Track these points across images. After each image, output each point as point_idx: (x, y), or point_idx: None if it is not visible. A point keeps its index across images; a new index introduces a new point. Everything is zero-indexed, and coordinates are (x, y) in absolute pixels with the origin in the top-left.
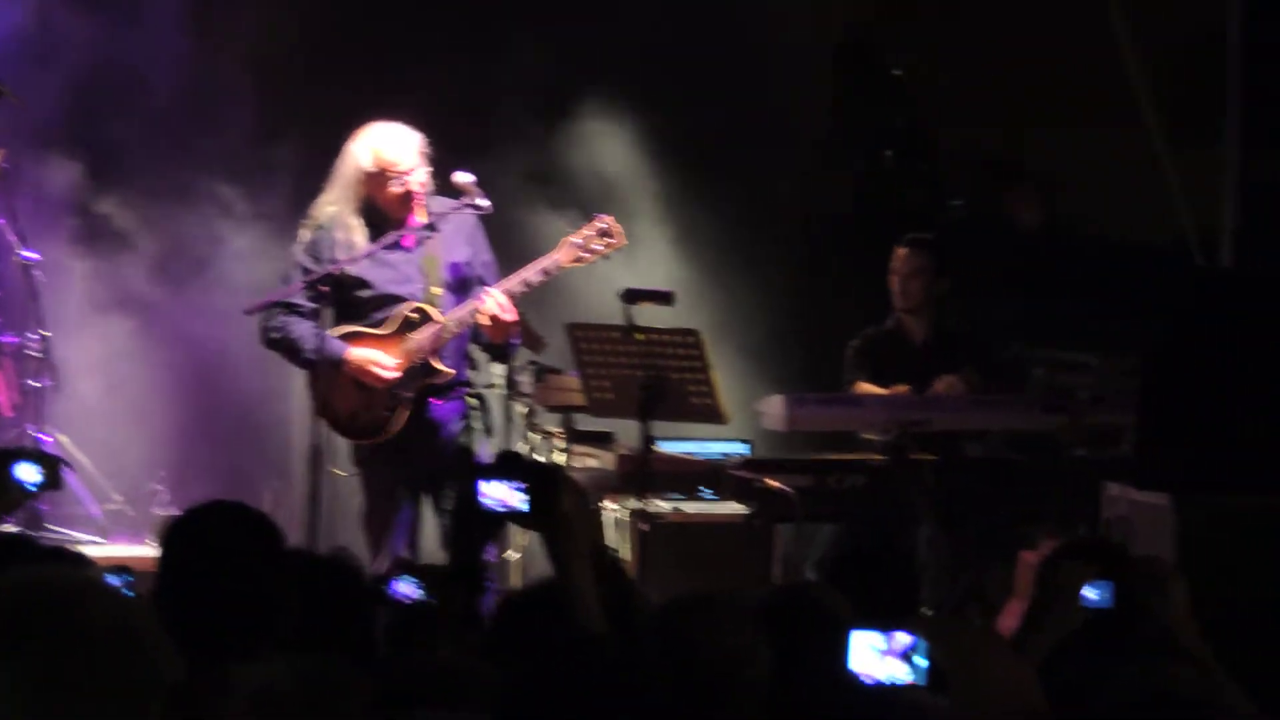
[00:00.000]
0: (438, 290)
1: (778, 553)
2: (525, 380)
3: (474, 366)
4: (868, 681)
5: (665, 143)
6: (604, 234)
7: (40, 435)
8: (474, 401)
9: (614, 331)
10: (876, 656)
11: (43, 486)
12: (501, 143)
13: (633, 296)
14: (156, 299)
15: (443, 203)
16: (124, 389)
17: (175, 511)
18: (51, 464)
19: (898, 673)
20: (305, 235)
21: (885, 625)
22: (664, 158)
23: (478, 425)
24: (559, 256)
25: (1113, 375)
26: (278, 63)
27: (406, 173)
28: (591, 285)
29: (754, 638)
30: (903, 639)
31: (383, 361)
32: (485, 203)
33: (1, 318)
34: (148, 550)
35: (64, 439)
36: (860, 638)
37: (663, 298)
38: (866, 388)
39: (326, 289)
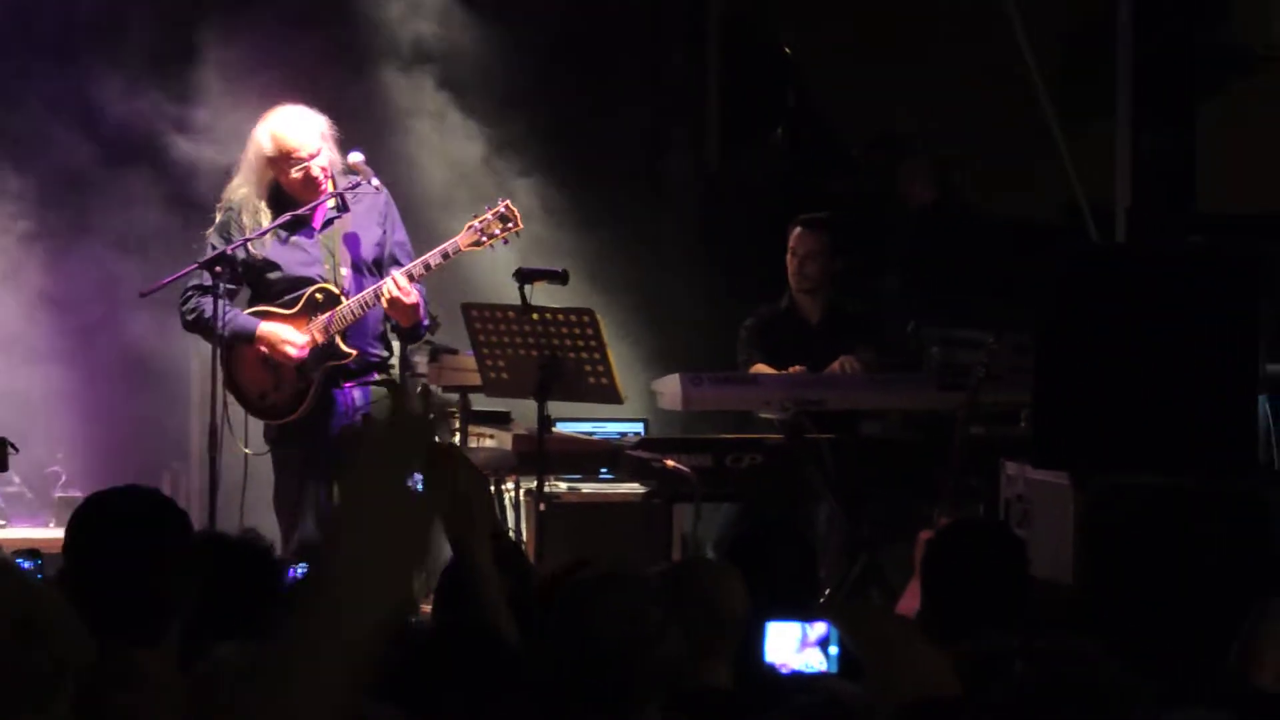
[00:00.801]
0: (344, 271)
1: (677, 533)
2: (420, 360)
3: (389, 349)
4: (784, 672)
5: (551, 114)
6: (503, 219)
7: None
8: (379, 390)
9: (509, 311)
10: (793, 647)
11: None
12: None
13: (527, 276)
14: (51, 279)
15: (345, 183)
16: (20, 370)
17: (75, 493)
18: None
19: (813, 662)
20: (217, 217)
21: (800, 616)
22: (552, 129)
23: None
24: (459, 240)
25: (1008, 353)
26: None
27: (307, 158)
28: (486, 264)
29: (661, 615)
30: (818, 629)
31: (290, 338)
32: (376, 182)
33: None
34: (50, 532)
35: None
36: (777, 629)
37: (557, 276)
38: (762, 368)
39: (223, 269)
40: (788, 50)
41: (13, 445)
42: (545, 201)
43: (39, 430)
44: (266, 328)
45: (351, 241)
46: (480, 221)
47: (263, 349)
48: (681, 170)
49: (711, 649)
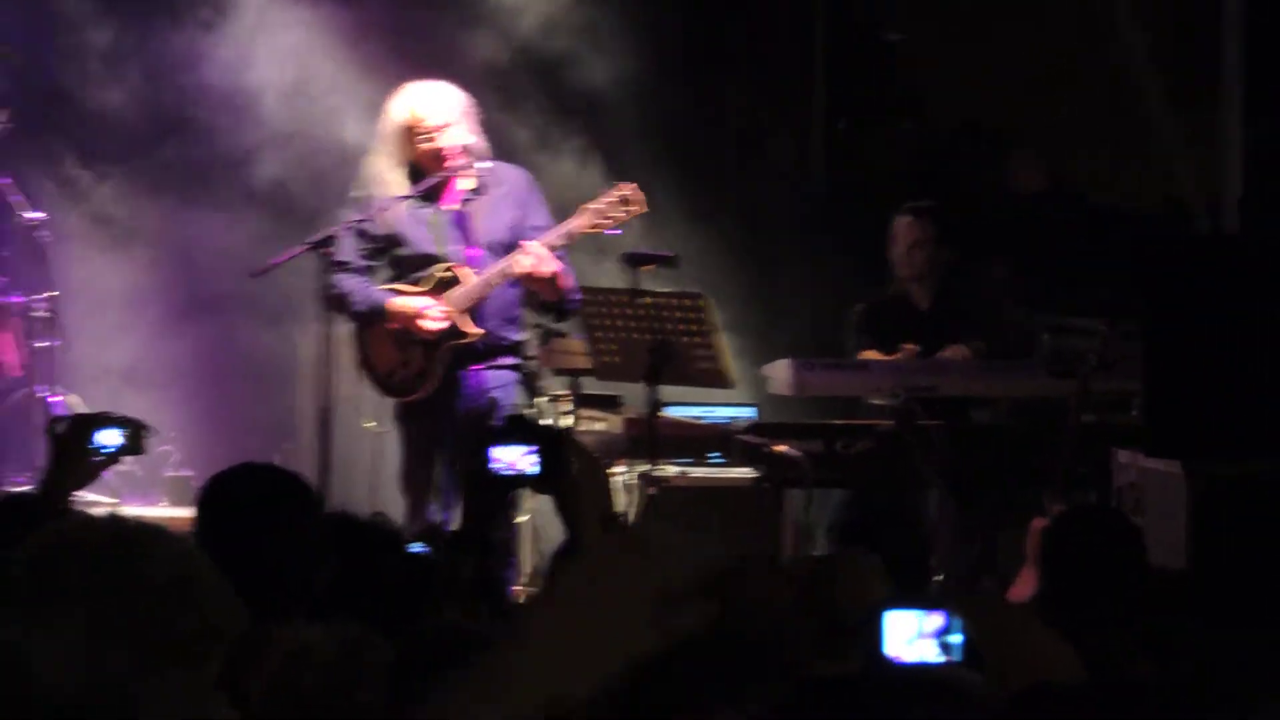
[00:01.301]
0: (475, 251)
1: (787, 518)
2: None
3: (523, 332)
4: (902, 663)
5: (658, 104)
6: (624, 201)
7: (49, 396)
8: (527, 370)
9: (620, 295)
10: (911, 638)
11: (124, 450)
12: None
13: (637, 260)
14: (163, 258)
15: (484, 164)
16: (133, 350)
17: (186, 473)
18: (134, 428)
19: (930, 654)
20: (352, 192)
21: (920, 606)
22: (668, 123)
23: (521, 397)
24: (580, 221)
25: (1119, 340)
26: None
27: (435, 129)
28: (595, 249)
29: (796, 607)
30: (935, 620)
31: (427, 310)
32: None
33: (7, 278)
34: (161, 511)
35: (73, 400)
36: (894, 619)
37: (667, 261)
38: (873, 354)
39: (361, 243)
40: (894, 39)
41: (150, 429)
42: (653, 190)
43: (150, 409)
44: (399, 302)
45: (485, 221)
46: (602, 203)
47: (398, 325)
48: (788, 158)
49: (843, 638)
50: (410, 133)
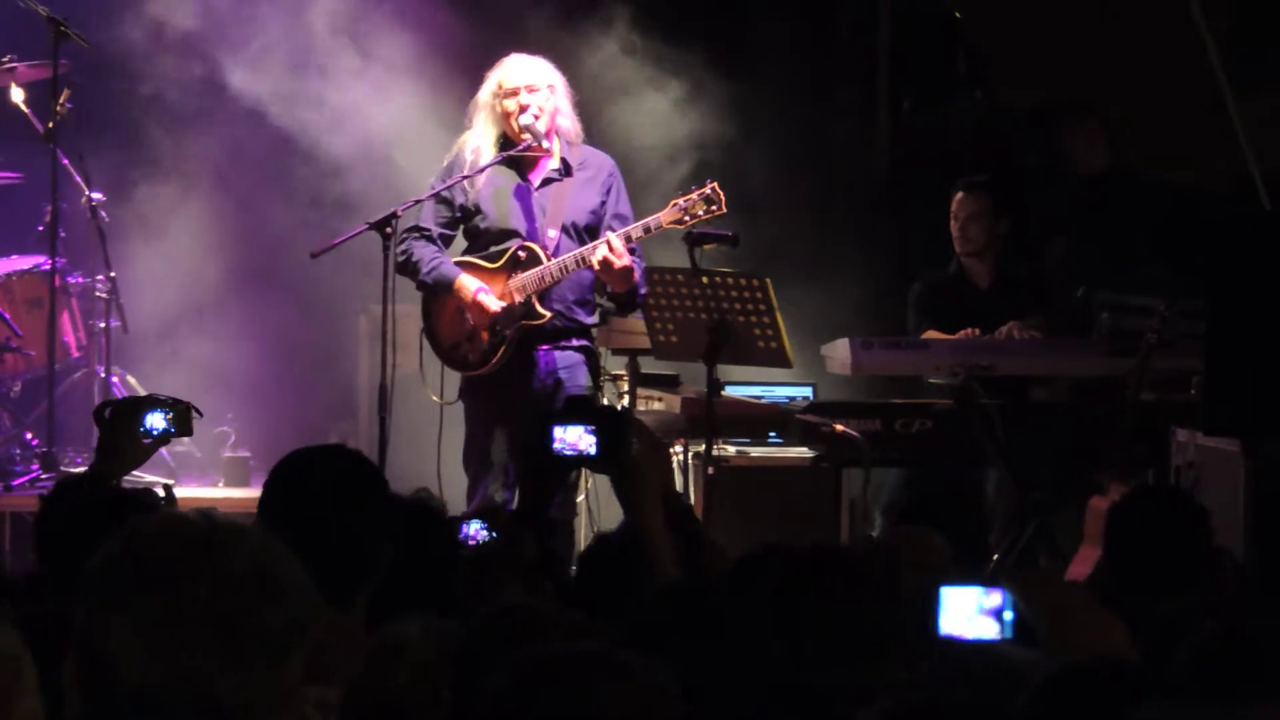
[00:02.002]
0: (553, 232)
1: (845, 498)
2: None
3: (593, 316)
4: (959, 639)
5: (719, 80)
6: (709, 200)
7: (109, 377)
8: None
9: (679, 274)
10: (968, 615)
11: (171, 434)
12: None
13: (697, 239)
14: (223, 241)
15: (584, 150)
16: (191, 331)
17: (243, 453)
18: (181, 410)
19: (987, 631)
20: (446, 158)
21: (976, 583)
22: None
23: (587, 379)
24: (662, 216)
25: (1179, 319)
26: None
27: (521, 88)
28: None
29: (863, 591)
30: (993, 597)
31: (485, 299)
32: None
33: (66, 259)
34: (218, 492)
35: (131, 380)
36: (952, 596)
37: (727, 240)
38: (933, 334)
39: (441, 211)
40: (958, 15)
41: (197, 410)
42: (713, 168)
43: (207, 390)
44: (465, 280)
45: (567, 204)
46: (685, 201)
47: (461, 301)
48: (851, 136)
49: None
50: (497, 93)
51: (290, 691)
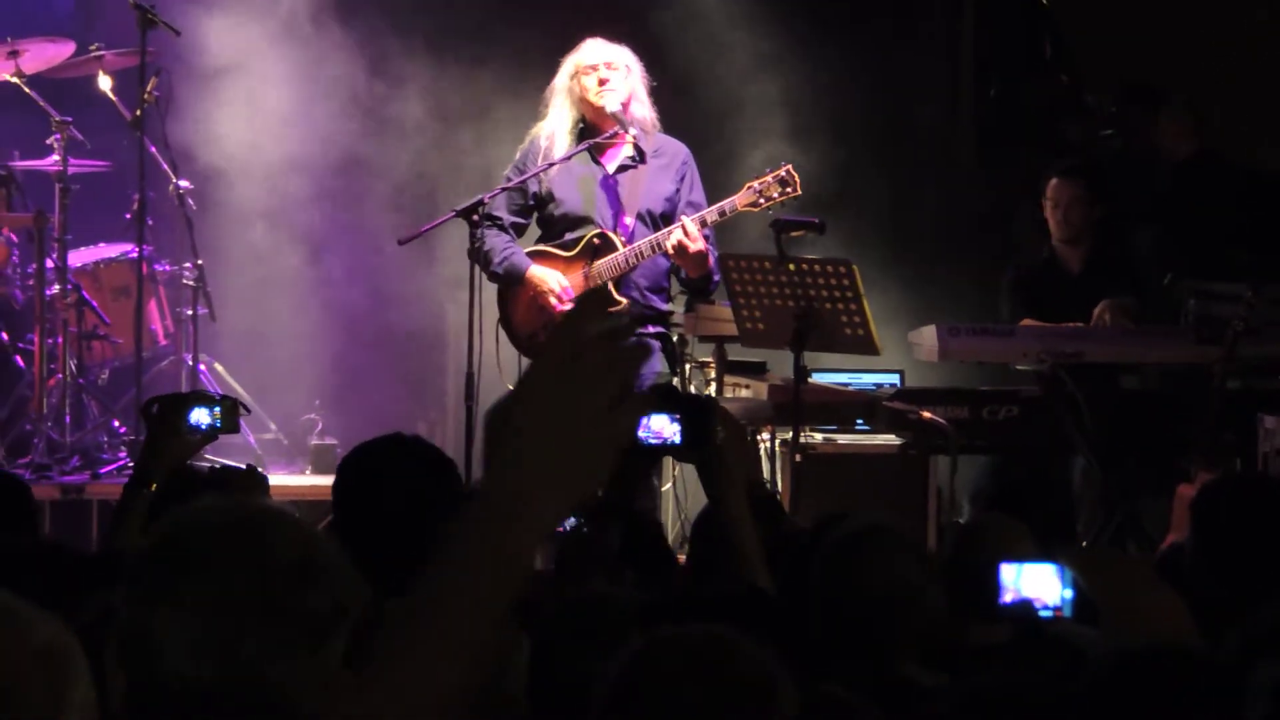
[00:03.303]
0: (628, 219)
1: (932, 485)
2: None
3: (669, 302)
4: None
5: (806, 68)
6: (783, 183)
7: (196, 365)
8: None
9: (766, 261)
10: (1027, 589)
11: (218, 430)
12: None
13: (783, 226)
14: (313, 229)
15: (659, 138)
16: (279, 318)
17: (330, 441)
18: (228, 407)
19: (1048, 598)
20: (521, 147)
21: (1034, 558)
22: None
23: (663, 366)
24: (737, 199)
25: (1266, 306)
26: None
27: (599, 64)
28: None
29: (924, 573)
30: (1052, 571)
31: (555, 288)
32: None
33: (155, 246)
34: (305, 479)
35: (219, 368)
36: (1009, 570)
37: (814, 227)
38: (1029, 323)
39: (514, 199)
40: (1044, 0)
41: (245, 407)
42: (799, 155)
43: (296, 378)
44: (536, 271)
45: (641, 190)
46: (760, 183)
47: (534, 293)
48: (938, 121)
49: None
50: (574, 74)
51: (331, 673)
